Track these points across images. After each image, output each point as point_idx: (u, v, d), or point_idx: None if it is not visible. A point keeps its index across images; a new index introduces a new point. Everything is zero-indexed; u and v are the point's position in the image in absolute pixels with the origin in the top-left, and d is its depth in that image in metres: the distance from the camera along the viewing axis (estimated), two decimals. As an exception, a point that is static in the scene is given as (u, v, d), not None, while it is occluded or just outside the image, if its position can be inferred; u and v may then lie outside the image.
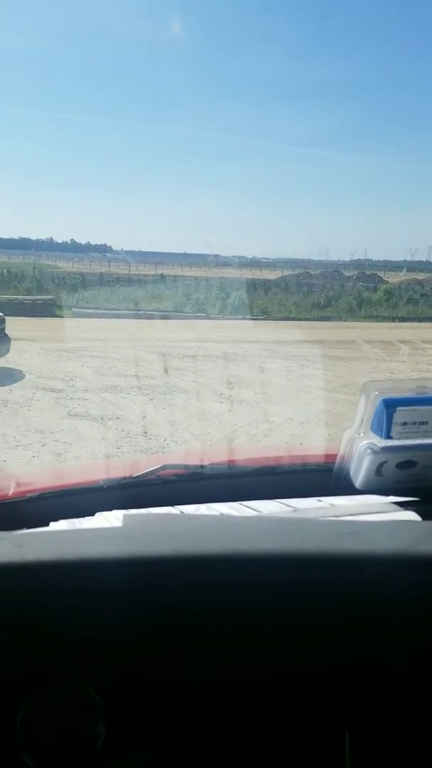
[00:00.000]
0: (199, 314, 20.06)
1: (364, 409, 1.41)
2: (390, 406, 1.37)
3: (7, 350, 9.95)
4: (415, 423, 1.38)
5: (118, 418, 7.38)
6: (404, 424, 1.37)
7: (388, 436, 1.37)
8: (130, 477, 1.44)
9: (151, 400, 8.40)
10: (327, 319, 22.00)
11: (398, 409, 1.37)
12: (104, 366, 10.49)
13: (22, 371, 9.75)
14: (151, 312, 19.47)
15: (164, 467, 1.46)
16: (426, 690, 0.85)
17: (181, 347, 12.52)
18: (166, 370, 10.04)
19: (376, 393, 1.39)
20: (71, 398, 8.29)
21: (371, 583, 0.83)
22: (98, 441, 6.57)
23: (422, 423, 1.38)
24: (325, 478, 1.46)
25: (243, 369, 10.79)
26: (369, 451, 1.36)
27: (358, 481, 1.39)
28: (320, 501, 1.33)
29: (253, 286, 28.56)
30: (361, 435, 1.40)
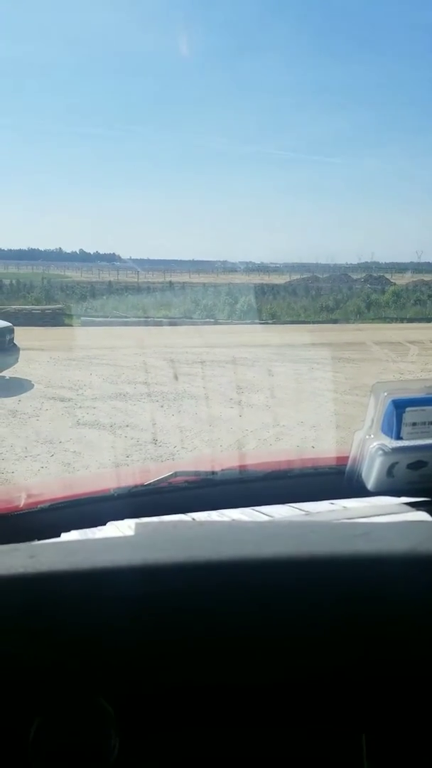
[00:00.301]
0: (208, 320, 20.08)
1: (374, 410, 1.41)
2: (399, 406, 1.37)
3: (16, 360, 9.95)
4: (424, 423, 1.38)
5: (127, 426, 7.37)
6: (414, 424, 1.37)
7: (399, 437, 1.37)
8: (141, 485, 1.44)
9: (161, 407, 8.39)
10: (336, 321, 22.00)
11: (407, 409, 1.37)
12: (113, 374, 10.48)
13: (30, 381, 9.75)
14: (160, 319, 19.52)
15: (175, 474, 1.45)
16: None
17: (190, 353, 12.53)
18: (175, 377, 10.05)
19: (385, 394, 1.39)
20: (80, 407, 8.28)
21: (382, 584, 0.83)
22: (108, 449, 6.57)
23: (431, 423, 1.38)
24: (336, 480, 1.45)
25: (252, 373, 10.77)
26: (380, 452, 1.36)
27: (369, 483, 1.38)
28: (332, 504, 1.32)
29: (261, 290, 28.66)
30: (372, 436, 1.40)
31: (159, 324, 18.57)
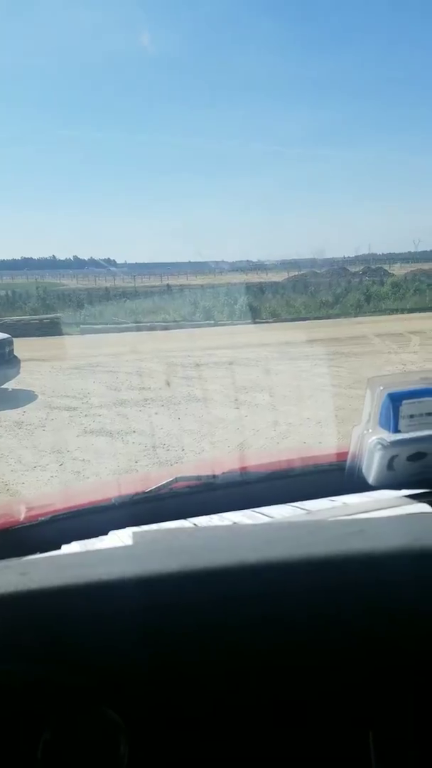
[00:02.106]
0: (207, 322, 20.07)
1: (371, 405, 1.42)
2: (396, 399, 1.38)
3: (17, 372, 9.95)
4: (422, 414, 1.38)
5: (134, 431, 7.38)
6: (411, 416, 1.37)
7: (397, 430, 1.37)
8: (143, 492, 1.43)
9: (166, 411, 8.40)
10: (336, 316, 21.97)
11: (404, 402, 1.38)
12: (116, 381, 10.49)
13: (33, 391, 9.75)
14: (159, 323, 19.50)
15: (176, 480, 1.44)
16: None
17: (192, 356, 12.52)
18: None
19: (381, 388, 1.39)
20: (86, 415, 8.30)
21: (378, 581, 0.82)
22: (116, 456, 6.55)
23: (429, 414, 1.38)
24: (337, 477, 1.45)
25: (256, 373, 10.77)
26: (379, 446, 1.36)
27: (370, 477, 1.39)
28: (333, 501, 1.32)
29: (260, 289, 28.58)
30: (370, 431, 1.40)
31: (158, 328, 18.53)
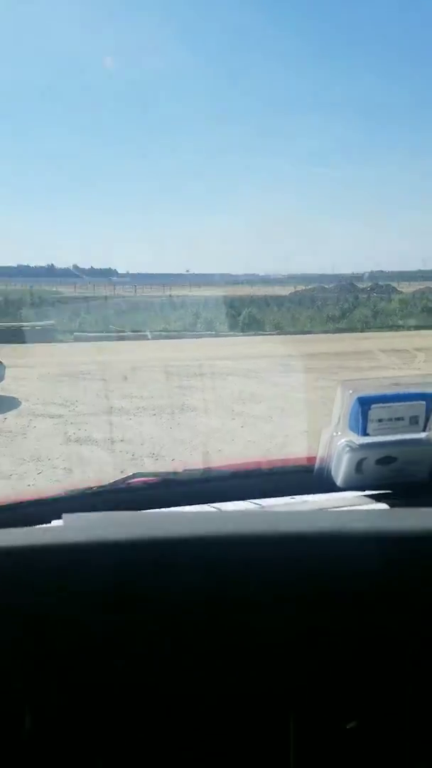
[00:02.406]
0: (208, 332, 20.06)
1: (341, 408, 1.40)
2: (365, 403, 1.37)
3: (1, 378, 9.80)
4: (390, 419, 1.38)
5: (122, 440, 7.24)
6: (380, 420, 1.37)
7: (365, 433, 1.37)
8: (97, 487, 1.42)
9: (158, 420, 8.27)
10: (342, 331, 22.08)
11: (373, 406, 1.37)
12: (108, 388, 10.35)
13: (17, 398, 9.54)
14: (157, 333, 19.39)
15: (134, 475, 1.45)
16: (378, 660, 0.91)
17: (191, 366, 12.41)
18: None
19: (351, 391, 1.39)
20: (71, 423, 8.12)
21: (336, 559, 0.90)
22: (101, 465, 6.39)
23: (398, 419, 1.38)
24: (305, 478, 1.45)
25: (255, 385, 10.70)
26: (347, 448, 1.35)
27: (339, 479, 1.38)
28: (293, 499, 1.36)
29: (264, 302, 28.77)
30: (339, 434, 1.40)
31: (157, 338, 18.45)
